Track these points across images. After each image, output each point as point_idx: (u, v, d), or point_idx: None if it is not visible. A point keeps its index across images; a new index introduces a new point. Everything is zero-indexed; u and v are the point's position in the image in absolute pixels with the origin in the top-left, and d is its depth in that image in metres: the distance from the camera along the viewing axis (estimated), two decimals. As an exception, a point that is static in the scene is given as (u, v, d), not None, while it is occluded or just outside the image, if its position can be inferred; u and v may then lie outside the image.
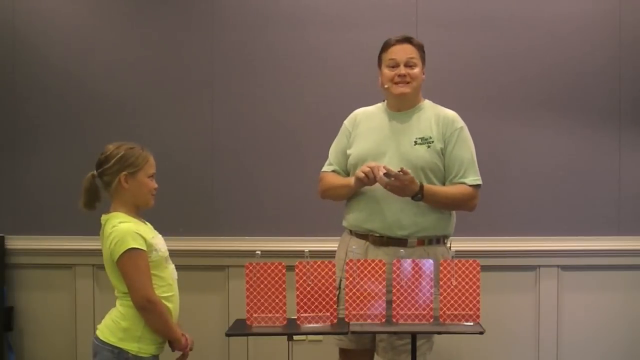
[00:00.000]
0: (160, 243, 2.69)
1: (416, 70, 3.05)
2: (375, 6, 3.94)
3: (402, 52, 3.05)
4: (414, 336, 2.78)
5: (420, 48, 3.10)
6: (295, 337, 2.83)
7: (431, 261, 2.77)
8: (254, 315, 2.77)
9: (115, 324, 2.63)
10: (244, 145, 4.01)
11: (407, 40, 3.08)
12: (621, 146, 3.90)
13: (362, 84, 3.62)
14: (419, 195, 2.92)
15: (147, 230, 2.67)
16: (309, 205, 3.79)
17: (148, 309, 2.58)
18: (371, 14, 3.93)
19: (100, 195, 2.68)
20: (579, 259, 3.88)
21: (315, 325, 2.78)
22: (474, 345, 3.78)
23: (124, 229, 2.59)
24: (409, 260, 2.76)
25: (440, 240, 3.07)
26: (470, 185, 3.03)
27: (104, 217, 2.67)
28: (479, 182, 3.05)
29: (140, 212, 2.73)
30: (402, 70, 3.03)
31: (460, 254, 2.79)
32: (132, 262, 2.57)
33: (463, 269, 2.75)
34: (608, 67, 3.89)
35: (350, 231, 3.13)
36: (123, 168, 2.64)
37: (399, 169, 2.87)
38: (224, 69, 4.01)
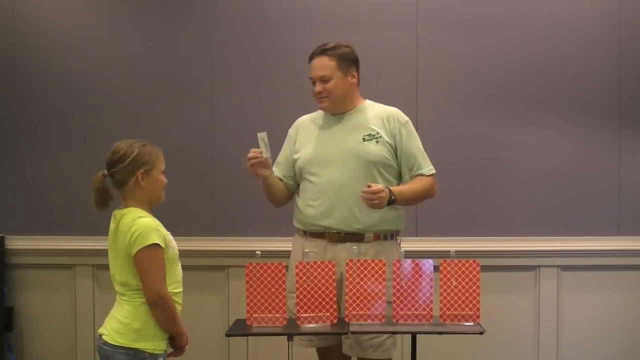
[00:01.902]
0: (173, 240, 2.68)
1: (330, 84, 3.07)
2: (375, 6, 3.94)
3: (316, 68, 3.10)
4: (414, 336, 2.78)
5: (339, 56, 3.08)
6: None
7: (431, 261, 2.77)
8: (254, 315, 2.77)
9: (125, 326, 2.59)
10: (244, 146, 3.99)
11: (323, 52, 3.09)
12: (621, 146, 3.90)
13: (362, 84, 3.61)
14: (392, 198, 2.94)
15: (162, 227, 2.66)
16: (309, 205, 3.78)
17: (159, 305, 2.56)
18: (371, 14, 3.93)
19: (112, 194, 2.64)
20: (579, 259, 3.88)
21: (315, 325, 2.78)
22: (474, 345, 3.78)
23: (147, 223, 2.57)
24: (408, 261, 2.76)
25: (392, 236, 3.11)
26: (427, 175, 3.10)
27: (118, 213, 2.63)
28: (434, 170, 3.13)
29: (151, 208, 2.70)
30: (318, 87, 3.09)
31: (460, 254, 2.79)
32: (151, 257, 2.55)
33: (463, 269, 2.75)
34: (608, 67, 3.89)
35: (304, 232, 3.14)
36: (139, 166, 2.61)
37: (367, 186, 2.90)
38: (224, 69, 4.00)
